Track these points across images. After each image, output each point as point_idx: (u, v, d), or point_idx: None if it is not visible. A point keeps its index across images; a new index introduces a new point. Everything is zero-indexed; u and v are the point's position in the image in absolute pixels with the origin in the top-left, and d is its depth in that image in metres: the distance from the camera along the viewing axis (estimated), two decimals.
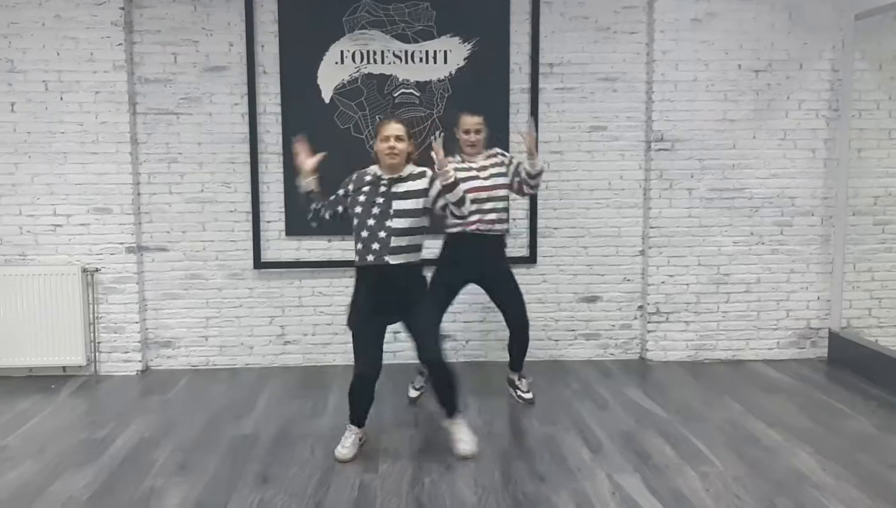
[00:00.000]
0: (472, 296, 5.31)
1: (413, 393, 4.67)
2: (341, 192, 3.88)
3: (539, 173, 4.33)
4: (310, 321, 5.47)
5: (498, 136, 5.00)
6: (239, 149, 5.31)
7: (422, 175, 3.82)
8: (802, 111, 5.41)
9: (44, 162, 5.14)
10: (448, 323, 5.49)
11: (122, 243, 5.23)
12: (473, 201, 4.07)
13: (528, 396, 4.64)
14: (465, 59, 5.31)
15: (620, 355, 5.60)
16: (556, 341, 5.56)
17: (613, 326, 5.60)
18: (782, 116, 5.40)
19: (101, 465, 3.77)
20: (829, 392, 4.83)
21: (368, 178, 3.83)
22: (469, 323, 5.53)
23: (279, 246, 5.39)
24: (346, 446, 3.85)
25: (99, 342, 5.29)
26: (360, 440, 3.93)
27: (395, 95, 5.32)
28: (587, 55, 5.38)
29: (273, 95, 5.29)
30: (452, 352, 5.53)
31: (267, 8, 5.23)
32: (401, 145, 3.76)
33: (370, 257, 3.71)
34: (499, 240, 4.47)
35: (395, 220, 3.71)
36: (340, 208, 3.87)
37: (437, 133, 3.84)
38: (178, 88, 5.25)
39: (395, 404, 4.64)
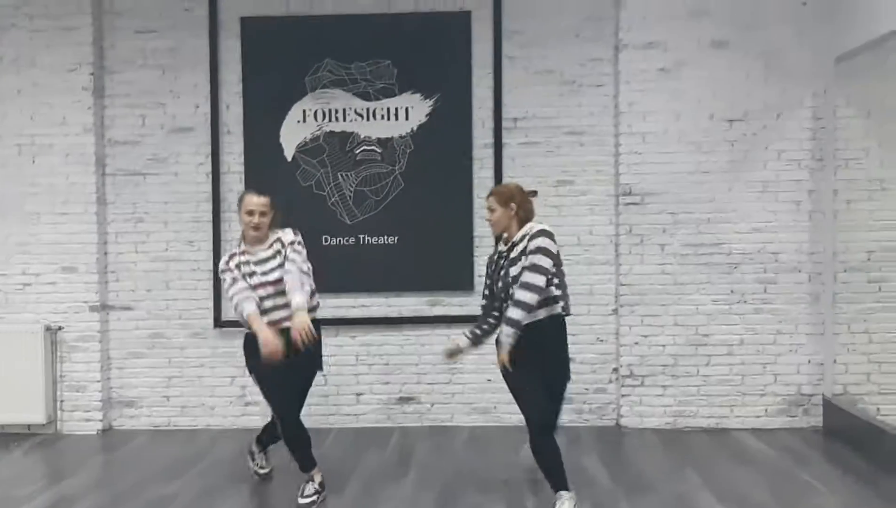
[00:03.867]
0: (436, 356, 5.16)
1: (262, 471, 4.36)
2: None
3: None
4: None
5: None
6: (203, 208, 5.35)
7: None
8: (783, 162, 5.10)
9: (16, 222, 5.28)
10: (412, 384, 5.35)
11: (86, 302, 5.28)
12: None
13: None
14: (426, 115, 5.26)
15: (595, 420, 5.28)
16: None
17: (587, 389, 5.29)
18: (761, 167, 5.11)
19: None
20: (808, 465, 4.39)
21: None
22: (434, 384, 5.32)
23: None
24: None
25: (62, 401, 5.31)
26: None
27: (357, 152, 5.28)
28: (552, 109, 5.25)
29: (237, 155, 5.33)
30: (416, 416, 5.33)
31: (232, 69, 5.32)
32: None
33: None
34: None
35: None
36: None
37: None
38: (145, 150, 5.36)
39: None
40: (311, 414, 5.30)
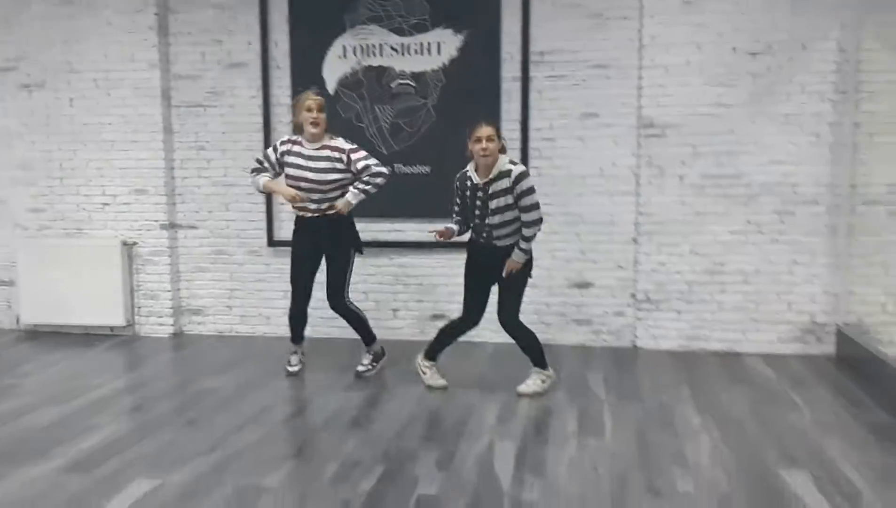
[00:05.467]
0: None
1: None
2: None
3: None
4: (320, 296, 5.90)
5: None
6: (256, 137, 5.86)
7: None
8: (805, 94, 5.15)
9: (95, 149, 5.96)
10: (444, 303, 5.78)
11: (156, 221, 5.95)
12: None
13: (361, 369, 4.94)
14: (457, 50, 5.55)
15: (613, 341, 5.60)
16: (548, 324, 5.66)
17: (606, 312, 5.60)
18: (783, 99, 5.17)
19: (70, 405, 4.36)
20: (802, 389, 4.60)
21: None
22: None
23: (291, 226, 5.87)
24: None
25: (139, 307, 6.05)
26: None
27: (393, 85, 5.65)
28: (579, 43, 5.43)
29: (285, 88, 5.79)
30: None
31: (280, 8, 5.74)
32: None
33: None
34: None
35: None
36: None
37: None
38: (205, 83, 5.89)
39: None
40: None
